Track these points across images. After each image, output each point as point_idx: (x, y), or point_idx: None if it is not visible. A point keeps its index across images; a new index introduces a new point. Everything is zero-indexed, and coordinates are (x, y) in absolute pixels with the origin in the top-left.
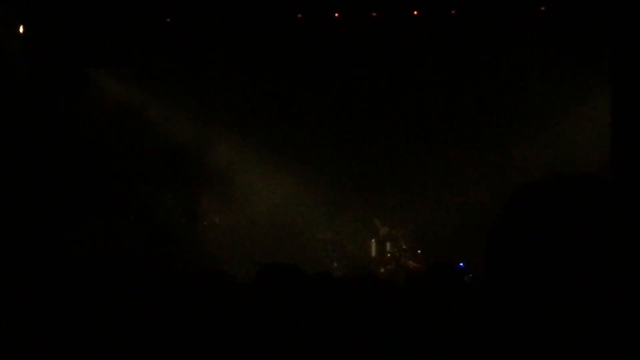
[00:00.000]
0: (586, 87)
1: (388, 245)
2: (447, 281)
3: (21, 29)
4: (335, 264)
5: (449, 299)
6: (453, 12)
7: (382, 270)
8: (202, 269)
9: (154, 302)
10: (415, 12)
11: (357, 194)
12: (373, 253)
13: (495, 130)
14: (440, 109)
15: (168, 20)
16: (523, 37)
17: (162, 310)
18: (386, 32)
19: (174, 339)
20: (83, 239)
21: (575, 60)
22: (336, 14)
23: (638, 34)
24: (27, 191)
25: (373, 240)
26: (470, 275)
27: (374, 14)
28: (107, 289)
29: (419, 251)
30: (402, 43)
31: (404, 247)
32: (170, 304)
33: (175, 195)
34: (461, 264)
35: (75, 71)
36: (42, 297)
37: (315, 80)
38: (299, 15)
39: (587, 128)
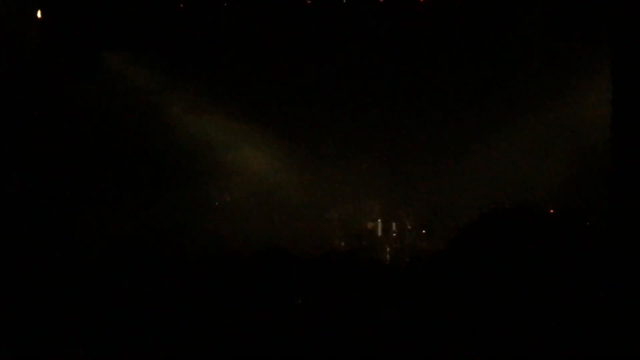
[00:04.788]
0: (586, 74)
1: (394, 225)
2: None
3: (39, 14)
4: (342, 243)
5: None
6: None
7: (387, 249)
8: (214, 250)
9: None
10: None
11: (364, 176)
12: (379, 232)
13: (497, 115)
14: (443, 92)
15: (181, 5)
16: (523, 24)
17: (169, 290)
18: (390, 17)
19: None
20: (92, 223)
21: (575, 47)
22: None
23: (637, 21)
24: (39, 175)
25: (379, 220)
26: None
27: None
28: (120, 269)
29: (423, 231)
30: (406, 28)
31: (409, 227)
32: (179, 284)
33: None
34: None
35: (90, 54)
36: (60, 273)
37: (321, 63)
38: (308, 1)
39: (587, 115)
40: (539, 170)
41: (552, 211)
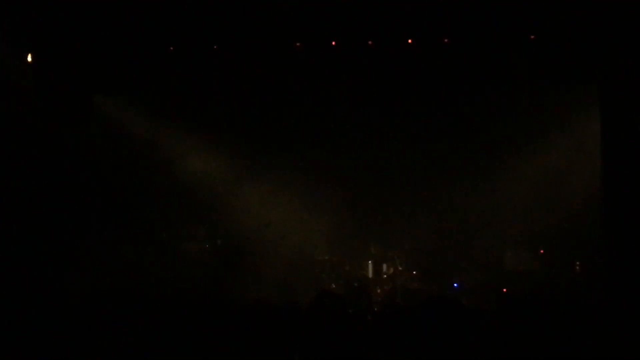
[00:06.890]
0: (575, 114)
1: (384, 266)
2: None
3: (29, 58)
4: (333, 285)
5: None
6: (446, 40)
7: (378, 290)
8: (204, 292)
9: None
10: (409, 40)
11: (355, 217)
12: (370, 274)
13: (485, 155)
14: (432, 135)
15: (171, 48)
16: (513, 64)
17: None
18: (381, 60)
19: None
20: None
21: (564, 87)
22: (333, 42)
23: (624, 61)
24: (36, 223)
25: (370, 261)
26: (456, 285)
27: (370, 42)
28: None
29: (414, 272)
30: (396, 70)
31: (400, 268)
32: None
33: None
34: (455, 284)
35: (82, 98)
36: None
37: (314, 106)
38: (297, 44)
39: (575, 156)
40: (529, 211)
41: (542, 251)
